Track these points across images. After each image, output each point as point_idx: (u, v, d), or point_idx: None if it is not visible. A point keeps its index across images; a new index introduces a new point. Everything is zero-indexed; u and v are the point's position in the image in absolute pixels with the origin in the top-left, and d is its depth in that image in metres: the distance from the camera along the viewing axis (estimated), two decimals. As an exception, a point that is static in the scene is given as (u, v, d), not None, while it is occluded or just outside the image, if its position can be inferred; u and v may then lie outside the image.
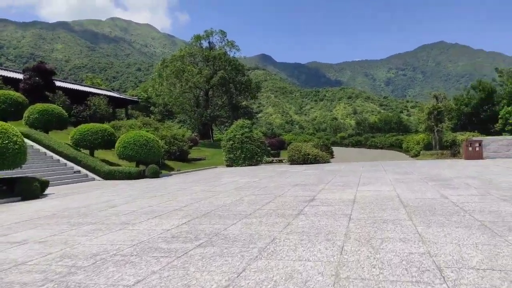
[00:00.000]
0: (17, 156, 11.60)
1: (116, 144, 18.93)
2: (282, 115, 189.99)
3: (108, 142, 19.62)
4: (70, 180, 16.98)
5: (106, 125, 20.31)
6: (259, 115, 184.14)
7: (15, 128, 12.22)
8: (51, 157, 18.72)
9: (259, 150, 25.77)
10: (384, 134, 64.72)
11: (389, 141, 49.59)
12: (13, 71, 31.43)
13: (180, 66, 36.18)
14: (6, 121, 22.08)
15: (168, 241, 5.21)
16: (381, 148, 49.57)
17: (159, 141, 20.01)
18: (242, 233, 5.49)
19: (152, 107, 47.11)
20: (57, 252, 4.92)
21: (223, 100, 39.84)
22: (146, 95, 46.75)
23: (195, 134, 41.63)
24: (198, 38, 40.30)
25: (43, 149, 19.02)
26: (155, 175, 18.38)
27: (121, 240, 5.38)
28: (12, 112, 21.04)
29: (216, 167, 26.30)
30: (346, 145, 65.60)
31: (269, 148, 28.52)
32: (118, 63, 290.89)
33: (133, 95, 51.58)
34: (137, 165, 19.48)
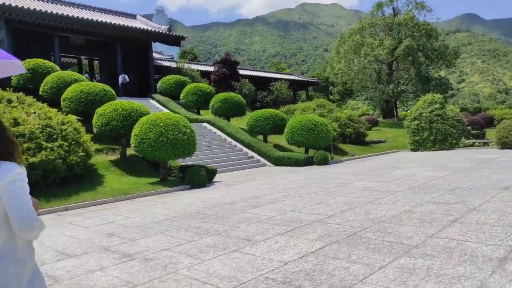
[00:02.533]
0: (186, 146, 12.18)
1: (285, 129, 18.41)
2: (492, 84, 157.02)
3: (279, 127, 19.35)
4: (244, 165, 17.45)
5: (277, 110, 20.10)
6: (461, 85, 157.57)
7: (186, 119, 12.91)
8: (230, 143, 19.80)
9: (454, 131, 20.79)
10: None
11: None
12: (207, 65, 35.57)
13: (358, 40, 33.17)
14: (198, 110, 25.04)
15: (272, 290, 3.60)
16: None
17: (328, 124, 18.40)
18: (389, 294, 3.34)
19: (330, 87, 45.71)
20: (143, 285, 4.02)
21: (409, 72, 34.60)
22: (325, 76, 45.67)
23: (378, 113, 38.04)
24: (379, 5, 35.96)
25: (223, 135, 20.34)
26: (324, 162, 16.96)
27: (217, 272, 4.10)
28: (202, 102, 23.43)
29: (397, 151, 22.84)
30: None
31: (469, 128, 22.86)
32: (307, 47, 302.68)
33: (313, 77, 51.50)
34: (306, 151, 18.52)
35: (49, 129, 10.58)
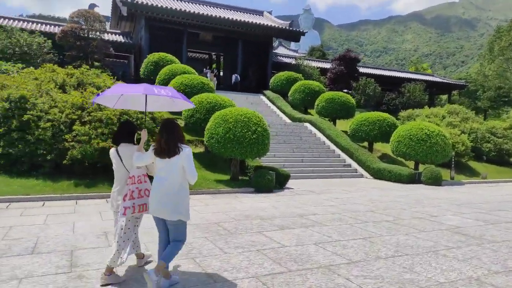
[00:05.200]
0: (254, 146, 11.28)
1: (391, 138, 15.72)
2: None
3: (386, 134, 16.68)
4: (337, 173, 15.61)
5: (385, 114, 17.33)
6: None
7: (260, 116, 11.99)
8: (328, 147, 18.06)
9: None
10: None
11: None
12: (327, 62, 33.72)
13: (520, 35, 26.35)
14: (306, 109, 23.77)
15: None
16: None
17: (451, 135, 14.87)
18: None
19: (479, 91, 37.95)
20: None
21: None
22: (476, 78, 38.20)
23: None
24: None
25: (323, 138, 18.70)
26: (435, 181, 13.79)
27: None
28: (309, 100, 22.07)
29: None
30: None
31: None
32: (469, 45, 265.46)
33: (460, 78, 43.77)
34: (416, 166, 15.43)
35: (126, 117, 11.06)
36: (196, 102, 13.49)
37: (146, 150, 4.01)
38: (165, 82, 17.74)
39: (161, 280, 3.58)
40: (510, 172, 18.20)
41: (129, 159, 3.99)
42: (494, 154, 18.94)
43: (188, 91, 15.76)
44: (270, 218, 7.41)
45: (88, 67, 14.04)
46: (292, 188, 11.91)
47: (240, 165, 13.42)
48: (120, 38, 26.02)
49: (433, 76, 40.85)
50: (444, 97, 41.81)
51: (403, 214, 8.17)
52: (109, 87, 13.70)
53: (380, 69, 38.94)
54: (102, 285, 3.81)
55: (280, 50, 46.91)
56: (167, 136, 3.61)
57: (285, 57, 33.05)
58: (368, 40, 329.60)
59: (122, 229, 3.94)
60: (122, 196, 3.94)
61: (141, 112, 11.43)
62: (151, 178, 4.10)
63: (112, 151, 4.14)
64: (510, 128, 20.29)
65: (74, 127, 10.28)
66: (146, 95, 4.35)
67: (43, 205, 8.27)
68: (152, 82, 19.87)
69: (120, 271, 4.23)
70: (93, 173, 10.47)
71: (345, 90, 27.42)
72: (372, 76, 31.42)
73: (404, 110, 23.56)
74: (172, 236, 3.75)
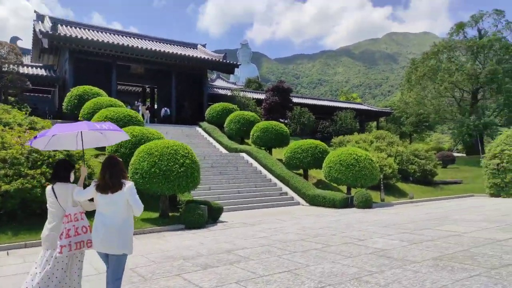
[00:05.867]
0: (183, 179, 10.71)
1: (323, 164, 16.02)
2: None
3: (319, 160, 16.98)
4: (273, 203, 15.41)
5: (317, 141, 17.76)
6: None
7: (188, 148, 11.53)
8: (265, 176, 17.95)
9: (551, 175, 16.13)
10: None
11: None
12: (263, 93, 34.51)
13: (433, 65, 29.11)
14: (243, 139, 23.74)
15: None
16: None
17: (377, 159, 15.50)
18: None
19: (403, 117, 41.11)
20: None
21: (498, 102, 29.13)
22: (398, 105, 41.43)
23: (456, 148, 32.65)
24: (460, 26, 31.23)
25: (259, 167, 18.59)
26: (365, 204, 14.12)
27: None
28: (245, 130, 22.07)
29: (472, 195, 18.65)
30: None
31: None
32: (393, 77, 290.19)
33: (386, 106, 47.19)
34: (348, 190, 15.79)
35: (36, 155, 9.99)
36: (121, 136, 12.69)
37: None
38: (89, 117, 16.66)
39: None
40: (433, 191, 19.36)
41: (64, 198, 4.04)
42: (419, 175, 20.11)
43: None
44: (194, 258, 6.85)
45: (-2, 102, 12.73)
46: (226, 222, 11.42)
47: (172, 200, 12.73)
48: (41, 72, 24.38)
49: (362, 104, 43.53)
50: (374, 123, 44.52)
51: (332, 240, 8.05)
52: (20, 124, 12.51)
53: (314, 99, 40.68)
54: None
55: (219, 83, 47.28)
56: (110, 172, 3.71)
57: (221, 88, 33.22)
58: (303, 73, 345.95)
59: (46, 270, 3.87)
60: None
61: (54, 151, 10.42)
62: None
63: (49, 188, 4.14)
64: (431, 150, 21.78)
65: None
66: (81, 132, 4.41)
67: None
68: (76, 117, 18.62)
69: None
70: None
71: (282, 120, 28.04)
72: (306, 106, 32.55)
73: (336, 137, 24.45)
74: (111, 273, 3.76)
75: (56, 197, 4.02)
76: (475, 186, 20.32)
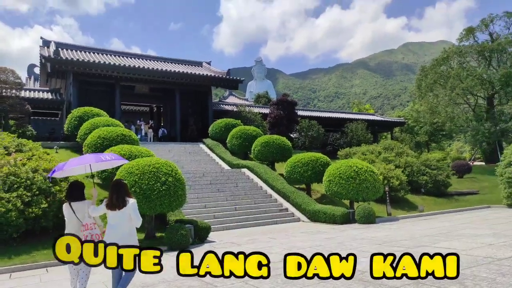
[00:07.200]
0: (165, 198, 10.23)
1: (324, 178, 15.25)
2: None
3: (320, 174, 16.23)
4: (273, 219, 14.75)
5: (319, 154, 17.04)
6: None
7: (173, 165, 11.07)
8: (266, 191, 17.31)
9: None
10: None
11: None
12: (267, 107, 34.07)
13: (443, 72, 28.02)
14: (246, 155, 23.17)
15: None
16: None
17: (375, 171, 14.60)
18: None
19: (416, 127, 39.70)
20: None
21: (515, 106, 27.69)
22: (411, 114, 40.15)
23: (475, 157, 31.03)
24: (470, 31, 30.10)
25: (260, 183, 17.97)
26: (368, 219, 13.22)
27: None
28: (247, 145, 21.55)
29: (488, 206, 17.40)
30: None
31: None
32: (412, 87, 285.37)
33: (400, 116, 45.83)
34: (351, 204, 14.93)
35: (13, 178, 9.74)
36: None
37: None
38: (86, 137, 16.54)
39: None
40: (447, 203, 18.18)
41: (82, 212, 5.19)
42: (431, 186, 18.99)
43: (106, 144, 14.68)
44: (154, 285, 6.27)
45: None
46: (214, 241, 10.83)
47: (162, 220, 12.28)
48: (47, 95, 24.74)
49: (374, 115, 42.40)
50: (389, 134, 43.21)
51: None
52: (6, 146, 12.39)
53: (322, 111, 39.97)
54: None
55: (231, 100, 47.18)
56: (117, 193, 4.94)
57: (227, 104, 33.00)
58: (320, 86, 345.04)
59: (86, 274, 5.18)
60: None
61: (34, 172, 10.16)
62: None
63: (66, 205, 5.27)
64: (443, 159, 20.65)
65: None
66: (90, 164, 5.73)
67: None
68: (76, 137, 18.58)
69: None
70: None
71: (289, 134, 27.43)
72: (315, 119, 31.82)
73: (342, 149, 23.61)
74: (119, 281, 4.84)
75: (74, 211, 5.16)
76: (492, 196, 19.01)
